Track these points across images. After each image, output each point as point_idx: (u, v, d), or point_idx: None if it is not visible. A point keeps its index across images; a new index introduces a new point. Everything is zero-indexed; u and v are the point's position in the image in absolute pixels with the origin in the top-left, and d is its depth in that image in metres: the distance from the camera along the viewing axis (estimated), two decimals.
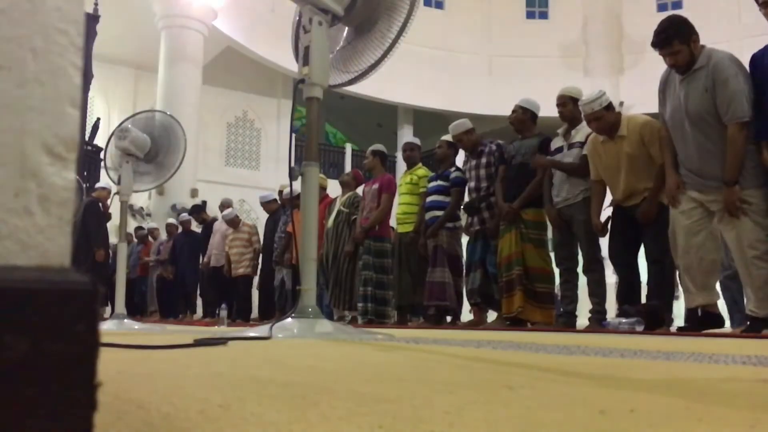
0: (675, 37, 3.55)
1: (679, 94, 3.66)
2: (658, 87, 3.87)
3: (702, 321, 3.69)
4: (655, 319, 3.90)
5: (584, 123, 4.68)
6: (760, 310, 3.46)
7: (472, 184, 5.55)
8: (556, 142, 4.97)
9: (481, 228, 5.44)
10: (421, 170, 6.42)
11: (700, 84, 3.54)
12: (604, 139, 4.31)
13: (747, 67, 3.62)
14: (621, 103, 17.48)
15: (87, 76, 9.66)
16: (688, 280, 3.70)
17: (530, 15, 18.94)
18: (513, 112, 5.20)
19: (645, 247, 4.25)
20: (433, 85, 17.57)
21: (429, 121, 18.85)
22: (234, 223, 8.85)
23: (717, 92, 3.49)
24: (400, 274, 6.18)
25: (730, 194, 3.47)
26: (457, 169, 5.90)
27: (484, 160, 5.50)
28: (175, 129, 4.91)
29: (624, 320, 3.83)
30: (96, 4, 10.81)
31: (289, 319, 2.79)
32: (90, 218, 7.44)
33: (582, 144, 4.69)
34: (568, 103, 4.87)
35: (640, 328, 3.78)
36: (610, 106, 4.28)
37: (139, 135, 4.81)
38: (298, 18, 3.34)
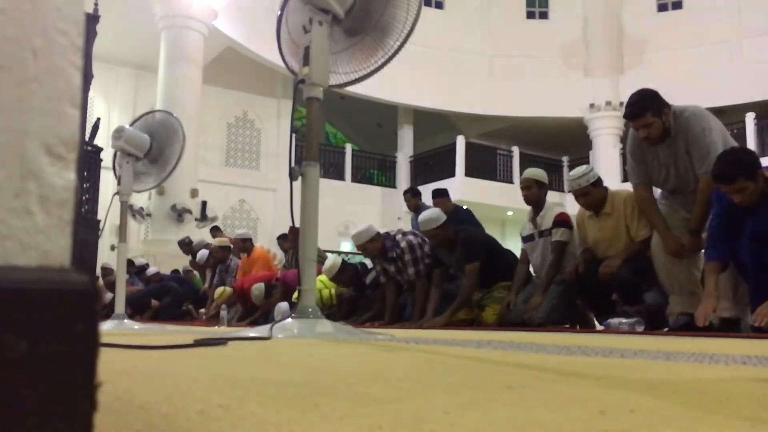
0: (648, 110, 3.57)
1: (663, 163, 3.70)
2: (629, 147, 3.85)
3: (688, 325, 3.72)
4: (656, 320, 3.91)
5: (549, 207, 4.72)
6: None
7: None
8: (526, 230, 4.90)
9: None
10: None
11: (681, 149, 3.60)
12: (591, 214, 4.29)
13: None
14: (621, 104, 17.54)
15: (87, 76, 9.66)
16: (670, 291, 3.78)
17: (530, 15, 18.96)
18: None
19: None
20: (433, 85, 17.57)
21: (429, 121, 18.86)
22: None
23: (692, 150, 3.55)
24: None
25: (692, 244, 3.56)
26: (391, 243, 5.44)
27: (394, 266, 5.33)
28: (171, 123, 4.89)
29: (624, 320, 3.84)
30: (96, 4, 10.81)
31: (289, 319, 2.79)
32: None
33: (549, 231, 4.64)
34: (533, 186, 4.76)
35: (640, 329, 3.79)
36: (598, 182, 4.23)
37: (135, 133, 4.80)
38: (280, 12, 3.34)
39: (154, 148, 4.79)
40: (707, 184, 3.45)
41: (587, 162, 16.24)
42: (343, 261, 5.87)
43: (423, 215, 5.13)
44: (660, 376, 1.20)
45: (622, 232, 4.15)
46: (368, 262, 5.92)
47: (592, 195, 4.21)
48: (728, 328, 3.49)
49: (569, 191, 4.98)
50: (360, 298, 6.00)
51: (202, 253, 8.74)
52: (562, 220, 4.61)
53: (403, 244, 5.30)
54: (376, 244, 5.30)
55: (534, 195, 4.77)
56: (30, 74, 0.49)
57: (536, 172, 4.91)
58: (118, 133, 4.72)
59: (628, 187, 4.15)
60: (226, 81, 16.71)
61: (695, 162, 3.55)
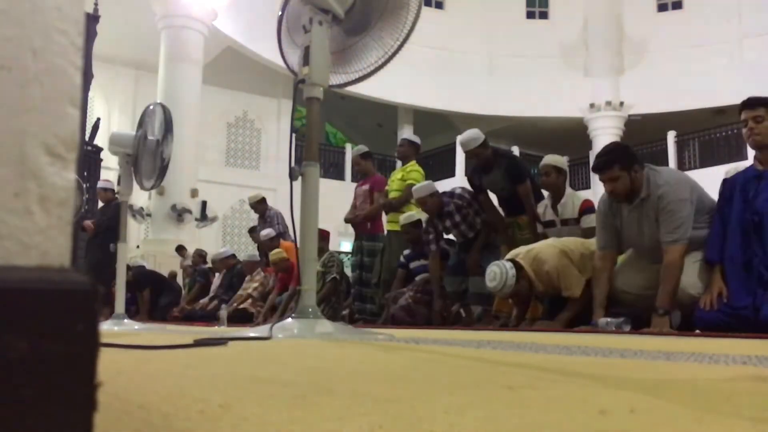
0: (615, 163, 3.50)
1: (631, 225, 3.63)
2: (599, 208, 3.80)
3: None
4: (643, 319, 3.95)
5: (570, 195, 4.71)
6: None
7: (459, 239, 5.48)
8: (546, 215, 4.86)
9: (457, 261, 5.48)
10: (414, 168, 6.25)
11: (651, 213, 3.51)
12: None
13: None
14: (621, 104, 17.55)
15: (87, 76, 9.66)
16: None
17: (530, 15, 18.97)
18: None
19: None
20: (433, 85, 17.58)
21: (429, 121, 18.86)
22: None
23: (663, 217, 3.44)
24: (390, 272, 6.15)
25: (660, 324, 3.38)
26: (425, 246, 5.68)
27: (450, 221, 5.40)
28: (156, 110, 4.86)
29: (611, 320, 3.86)
30: (96, 4, 10.82)
31: (289, 319, 2.79)
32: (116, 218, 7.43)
33: (576, 221, 4.64)
34: (551, 172, 4.75)
35: (627, 328, 3.82)
36: (519, 275, 4.03)
37: (119, 133, 4.83)
38: (280, 13, 3.34)
39: (150, 140, 4.76)
40: (677, 255, 3.38)
41: (587, 162, 16.24)
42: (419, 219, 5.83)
43: (464, 134, 5.24)
44: (660, 376, 1.20)
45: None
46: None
47: (521, 291, 4.09)
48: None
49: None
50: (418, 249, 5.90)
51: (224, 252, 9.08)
52: (589, 207, 4.64)
53: (457, 194, 5.48)
54: (435, 200, 5.41)
55: (553, 181, 4.77)
56: (30, 74, 0.49)
57: (555, 159, 4.89)
58: (110, 139, 4.79)
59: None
60: (226, 81, 16.71)
61: (663, 229, 3.44)
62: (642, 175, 3.52)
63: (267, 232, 7.93)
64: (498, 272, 4.00)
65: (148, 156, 4.74)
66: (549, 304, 4.47)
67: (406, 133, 19.20)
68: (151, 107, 4.95)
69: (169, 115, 4.78)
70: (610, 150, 3.64)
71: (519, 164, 5.26)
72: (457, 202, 5.36)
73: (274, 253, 7.35)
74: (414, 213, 5.88)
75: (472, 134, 5.15)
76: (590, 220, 4.45)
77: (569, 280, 3.98)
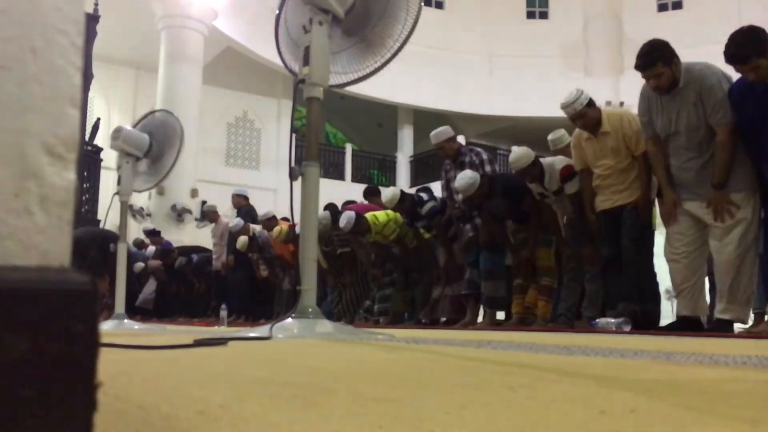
0: (658, 60, 3.61)
1: (668, 112, 3.71)
2: (640, 105, 3.90)
3: (682, 325, 3.72)
4: (648, 321, 3.95)
5: (549, 167, 4.77)
6: (727, 314, 3.55)
7: (460, 196, 5.52)
8: (538, 189, 4.96)
9: (474, 235, 5.52)
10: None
11: (689, 99, 3.60)
12: (588, 136, 4.33)
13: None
14: (621, 104, 17.53)
15: (87, 76, 9.66)
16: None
17: (530, 15, 18.96)
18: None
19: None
20: (433, 85, 17.57)
21: (429, 121, 18.82)
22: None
23: (705, 101, 3.54)
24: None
25: (717, 198, 3.53)
26: (429, 196, 6.06)
27: (461, 171, 5.49)
28: (171, 123, 4.88)
29: (612, 320, 3.88)
30: (96, 4, 10.82)
31: (289, 319, 2.79)
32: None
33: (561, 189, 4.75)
34: (530, 171, 4.80)
35: (627, 328, 3.83)
36: (591, 103, 4.31)
37: (134, 133, 4.80)
38: (278, 12, 3.34)
39: (155, 147, 4.78)
40: (727, 134, 3.48)
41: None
42: (402, 191, 6.13)
43: (514, 153, 5.21)
44: (660, 376, 1.20)
45: (622, 148, 4.23)
46: (423, 196, 6.18)
47: (588, 116, 4.27)
48: (722, 329, 3.51)
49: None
50: (410, 226, 6.20)
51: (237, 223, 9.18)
52: (568, 174, 4.69)
53: (476, 151, 5.81)
54: (453, 145, 5.73)
55: (534, 175, 4.81)
56: (30, 74, 0.49)
57: (522, 158, 4.79)
58: (117, 133, 4.73)
59: None
60: (226, 81, 16.71)
61: (709, 112, 3.54)
62: (680, 67, 3.62)
63: (236, 222, 8.65)
64: (574, 91, 4.33)
65: (151, 162, 4.77)
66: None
67: (406, 133, 19.22)
68: (164, 118, 4.98)
69: (181, 130, 4.84)
70: (651, 48, 3.70)
71: (513, 185, 5.19)
72: (473, 158, 5.60)
73: (276, 232, 7.81)
74: (393, 190, 6.09)
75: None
76: (572, 186, 4.63)
77: (636, 136, 4.11)
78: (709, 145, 3.60)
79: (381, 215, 6.26)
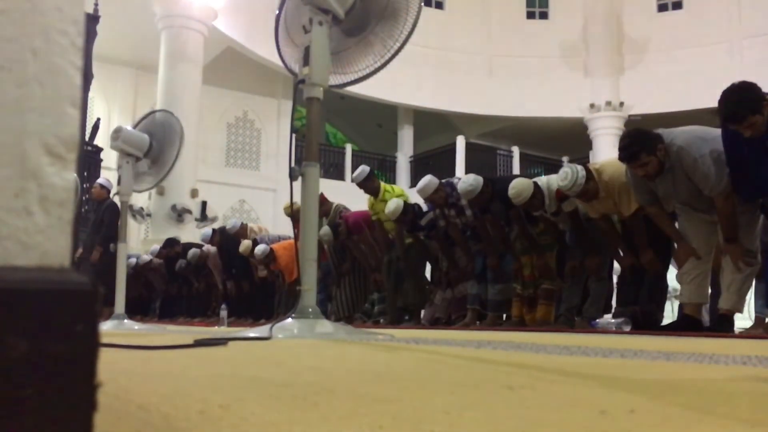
0: (641, 151, 3.60)
1: (665, 187, 3.75)
2: (632, 182, 3.91)
3: (683, 324, 3.74)
4: (649, 322, 3.97)
5: (548, 191, 4.75)
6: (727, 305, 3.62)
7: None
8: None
9: (480, 248, 5.62)
10: (387, 189, 6.65)
11: (680, 177, 3.64)
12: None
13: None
14: (621, 104, 17.55)
15: (87, 76, 9.66)
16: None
17: (530, 15, 18.93)
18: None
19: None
20: (433, 85, 17.56)
21: (429, 121, 18.85)
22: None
23: (692, 177, 3.59)
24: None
25: (732, 250, 3.56)
26: (428, 210, 6.08)
27: (455, 209, 5.68)
28: (171, 123, 4.88)
29: (612, 320, 3.90)
30: (96, 4, 10.81)
31: (289, 320, 2.79)
32: (113, 218, 7.40)
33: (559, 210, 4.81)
34: (533, 204, 4.80)
35: (627, 328, 3.85)
36: (588, 177, 4.22)
37: (134, 133, 4.79)
38: (278, 12, 3.34)
39: (155, 147, 4.78)
40: (722, 200, 3.53)
41: (587, 162, 16.21)
42: (405, 203, 6.14)
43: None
44: (660, 376, 1.20)
45: (613, 207, 4.29)
46: (423, 205, 6.28)
47: (590, 190, 4.26)
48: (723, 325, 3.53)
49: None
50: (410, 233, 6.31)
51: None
52: (562, 197, 4.69)
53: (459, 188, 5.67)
54: (440, 194, 5.69)
55: (538, 206, 4.82)
56: (30, 74, 0.49)
57: (522, 191, 4.74)
58: (116, 133, 4.73)
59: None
60: (226, 81, 16.69)
61: (701, 186, 3.58)
62: (664, 149, 3.62)
63: (233, 224, 8.67)
64: (570, 172, 4.26)
65: (151, 162, 4.77)
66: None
67: (406, 133, 19.21)
68: (164, 118, 4.97)
69: (182, 130, 4.84)
70: (631, 141, 3.68)
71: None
72: (456, 194, 5.57)
73: (244, 246, 7.96)
74: (397, 202, 6.06)
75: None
76: (569, 205, 4.67)
77: (626, 197, 4.13)
78: (710, 207, 3.65)
79: (397, 189, 6.53)
